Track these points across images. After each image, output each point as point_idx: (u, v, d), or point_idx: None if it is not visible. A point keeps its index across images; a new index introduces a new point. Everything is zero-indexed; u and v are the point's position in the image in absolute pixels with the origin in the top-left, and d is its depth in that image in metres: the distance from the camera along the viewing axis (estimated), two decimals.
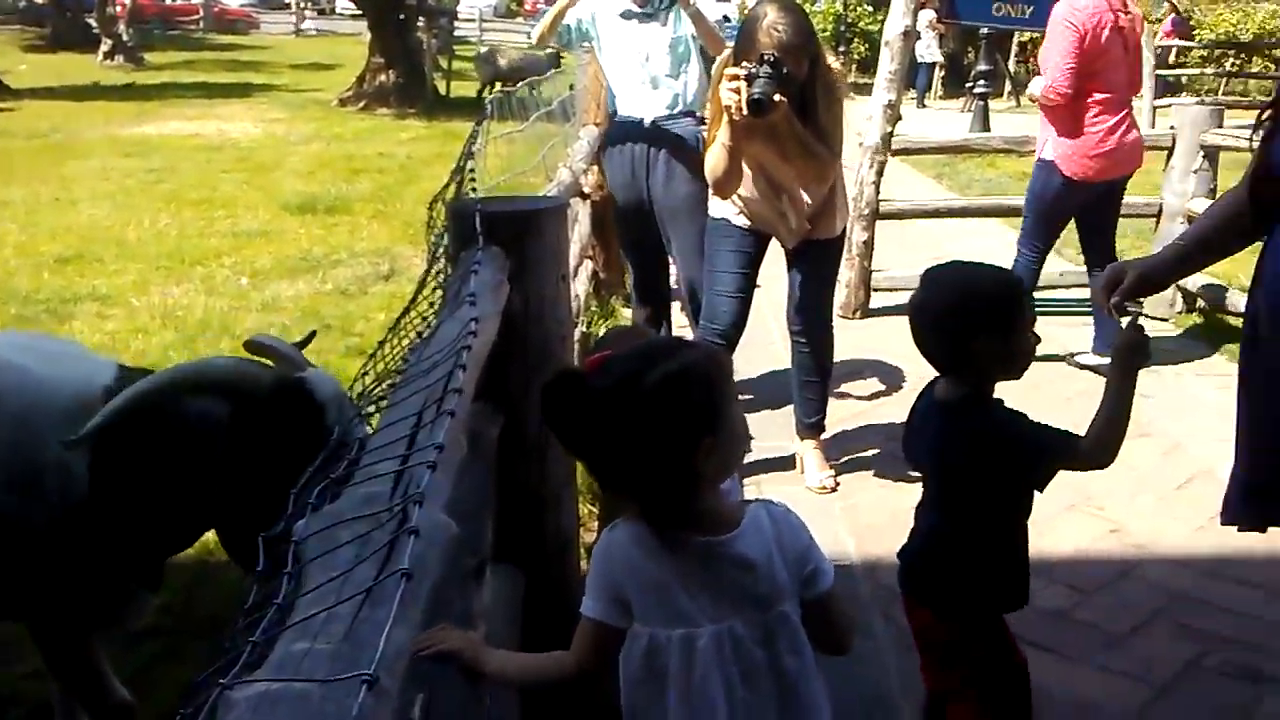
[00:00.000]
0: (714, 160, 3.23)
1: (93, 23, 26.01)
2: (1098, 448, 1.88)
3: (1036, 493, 2.04)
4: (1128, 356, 1.86)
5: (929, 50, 18.89)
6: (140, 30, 26.39)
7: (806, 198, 3.36)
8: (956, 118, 16.11)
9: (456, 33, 24.93)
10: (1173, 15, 18.06)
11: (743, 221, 3.45)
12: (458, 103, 17.12)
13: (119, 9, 25.81)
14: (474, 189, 2.03)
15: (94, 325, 5.36)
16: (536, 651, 2.09)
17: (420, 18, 18.43)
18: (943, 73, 20.14)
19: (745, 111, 3.01)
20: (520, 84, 5.20)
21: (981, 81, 13.89)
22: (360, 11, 19.42)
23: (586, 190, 4.48)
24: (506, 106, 4.58)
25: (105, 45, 23.74)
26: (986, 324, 1.90)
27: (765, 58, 3.00)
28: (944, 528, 2.01)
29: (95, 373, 1.98)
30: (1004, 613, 2.07)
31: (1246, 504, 1.98)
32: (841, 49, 22.83)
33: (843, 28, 23.59)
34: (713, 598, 1.41)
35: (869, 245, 5.53)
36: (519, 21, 36.99)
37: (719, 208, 3.48)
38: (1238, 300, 4.96)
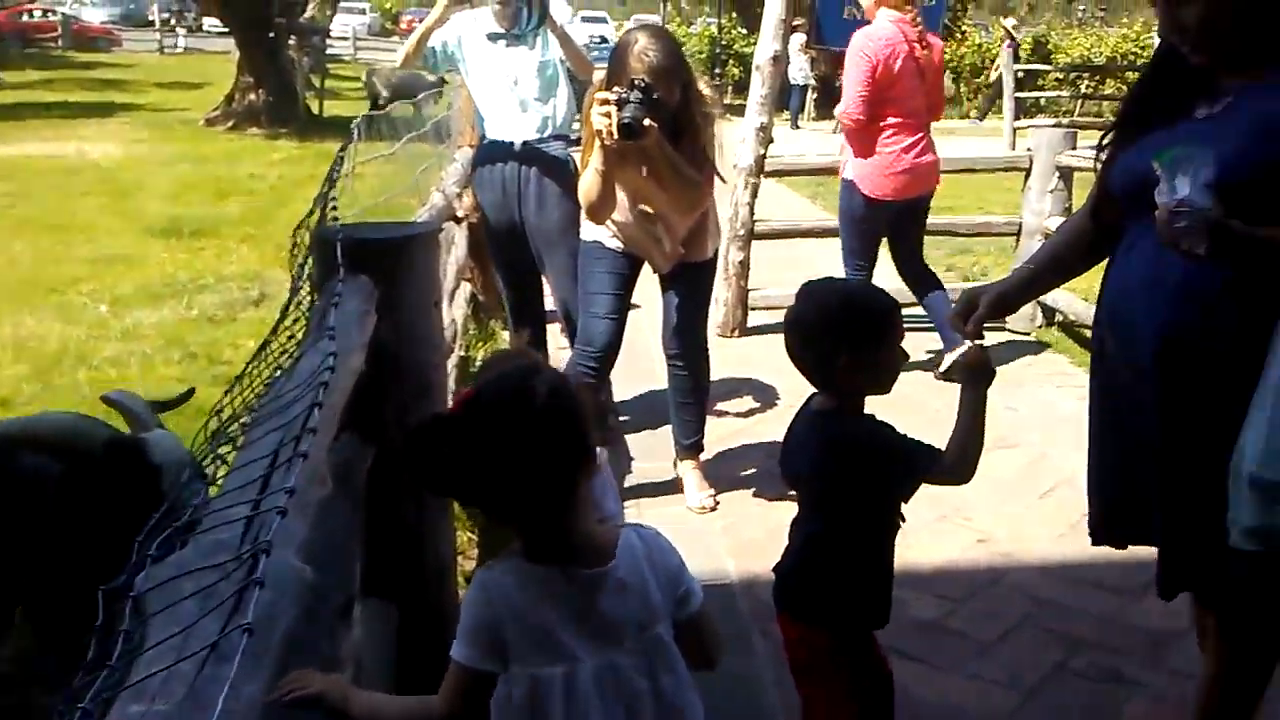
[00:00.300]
0: (587, 185, 3.23)
1: None
2: (959, 463, 1.94)
3: (904, 505, 2.08)
4: (973, 376, 1.93)
5: (801, 73, 19.39)
6: None
7: (680, 222, 3.38)
8: (829, 138, 16.51)
9: (330, 51, 24.50)
10: (1008, 40, 19.35)
11: (615, 244, 3.46)
12: (331, 122, 16.78)
13: None
14: (335, 217, 1.98)
15: None
16: (413, 688, 2.05)
17: (291, 36, 18.04)
18: (815, 95, 20.64)
19: (616, 136, 3.01)
20: (396, 104, 5.13)
21: None
22: (228, 29, 18.92)
23: (461, 213, 4.42)
24: (378, 128, 4.51)
25: None
26: (855, 339, 1.95)
27: (636, 83, 3.02)
28: (817, 541, 2.04)
29: None
30: (872, 628, 2.11)
31: (1103, 522, 2.06)
32: (717, 71, 23.19)
33: (718, 50, 23.97)
34: (594, 631, 1.42)
35: (745, 265, 5.61)
36: (394, 40, 36.57)
37: (591, 230, 3.48)
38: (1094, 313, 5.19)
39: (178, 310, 6.02)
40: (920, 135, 4.69)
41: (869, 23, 4.76)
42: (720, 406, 4.52)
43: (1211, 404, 1.73)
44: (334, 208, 1.95)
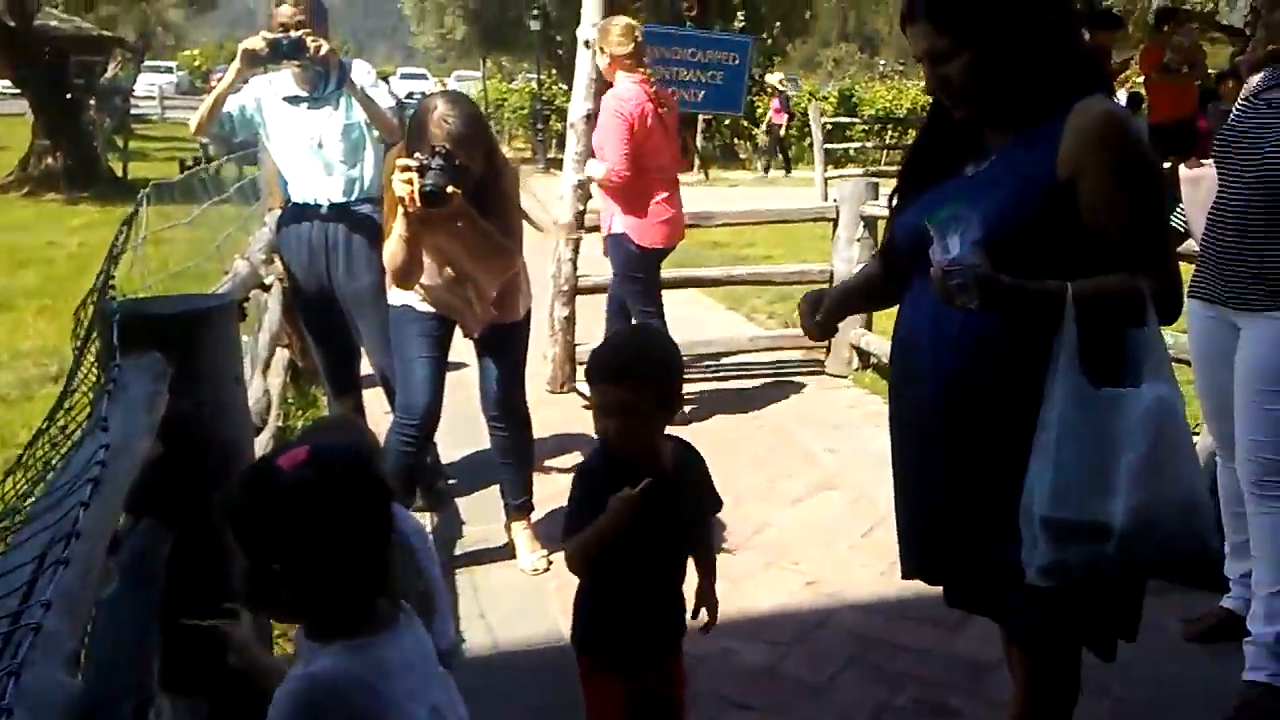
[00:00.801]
0: (392, 252, 3.15)
1: None
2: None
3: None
4: None
5: None
6: None
7: (490, 284, 3.35)
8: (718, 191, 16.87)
9: (136, 111, 23.54)
10: (778, 96, 21.22)
11: (426, 307, 3.41)
12: (136, 185, 16.02)
13: None
14: (125, 292, 1.88)
15: None
16: None
17: (92, 97, 17.25)
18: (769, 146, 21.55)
19: (419, 203, 2.98)
20: (196, 168, 4.94)
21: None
22: (20, 91, 17.95)
23: (269, 280, 4.27)
24: (181, 192, 4.33)
25: None
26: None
27: (437, 149, 2.99)
28: (606, 579, 2.09)
29: None
30: (657, 663, 2.17)
31: (909, 556, 2.13)
32: (539, 126, 23.38)
33: (539, 105, 24.19)
34: (419, 684, 1.49)
35: (570, 320, 5.62)
36: (205, 99, 35.44)
37: (399, 295, 3.42)
38: None
39: None
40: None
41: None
42: (550, 464, 4.49)
43: (993, 447, 1.82)
44: (112, 283, 1.84)
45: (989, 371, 1.79)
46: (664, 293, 7.29)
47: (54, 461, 1.50)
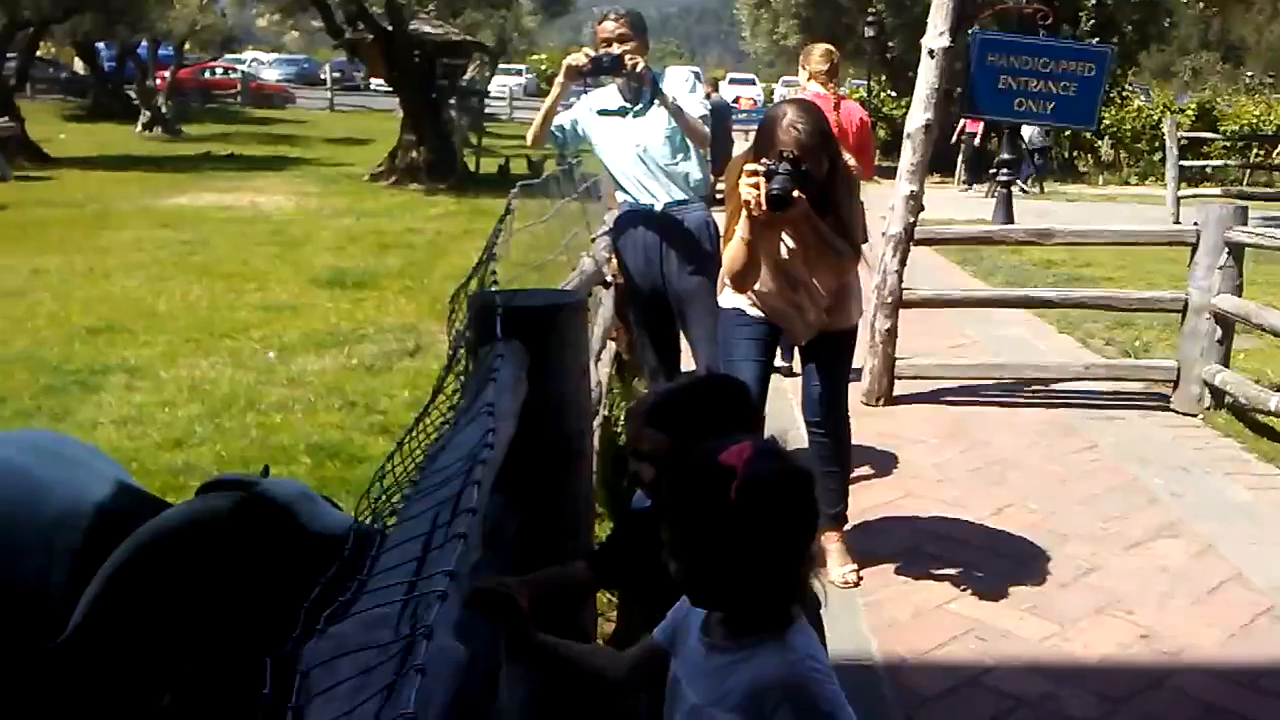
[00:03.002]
0: (732, 255, 3.24)
1: (132, 94, 26.70)
2: None
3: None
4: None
5: (1040, 134, 18.89)
6: (179, 102, 27.07)
7: (824, 291, 3.36)
8: (980, 202, 16.20)
9: (487, 110, 25.41)
10: None
11: (756, 312, 3.46)
12: (487, 179, 17.38)
13: (159, 82, 26.52)
14: (494, 282, 2.03)
15: (122, 397, 5.39)
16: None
17: (452, 97, 18.80)
18: (965, 159, 20.36)
19: (765, 207, 3.02)
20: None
21: (1004, 170, 13.98)
22: (392, 89, 19.85)
23: (609, 277, 4.50)
24: (534, 189, 4.62)
25: (144, 117, 24.38)
26: None
27: (785, 155, 3.03)
28: None
29: (91, 484, 1.91)
30: None
31: None
32: None
33: (866, 112, 23.88)
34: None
35: (892, 333, 5.51)
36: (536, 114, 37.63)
37: (731, 298, 3.49)
38: (1269, 397, 4.90)
39: (339, 359, 6.26)
40: None
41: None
42: (866, 478, 4.43)
43: None
44: (494, 274, 1.99)
45: None
46: (993, 310, 7.04)
47: (425, 442, 1.65)
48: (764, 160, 3.06)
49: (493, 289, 2.08)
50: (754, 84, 41.89)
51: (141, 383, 5.69)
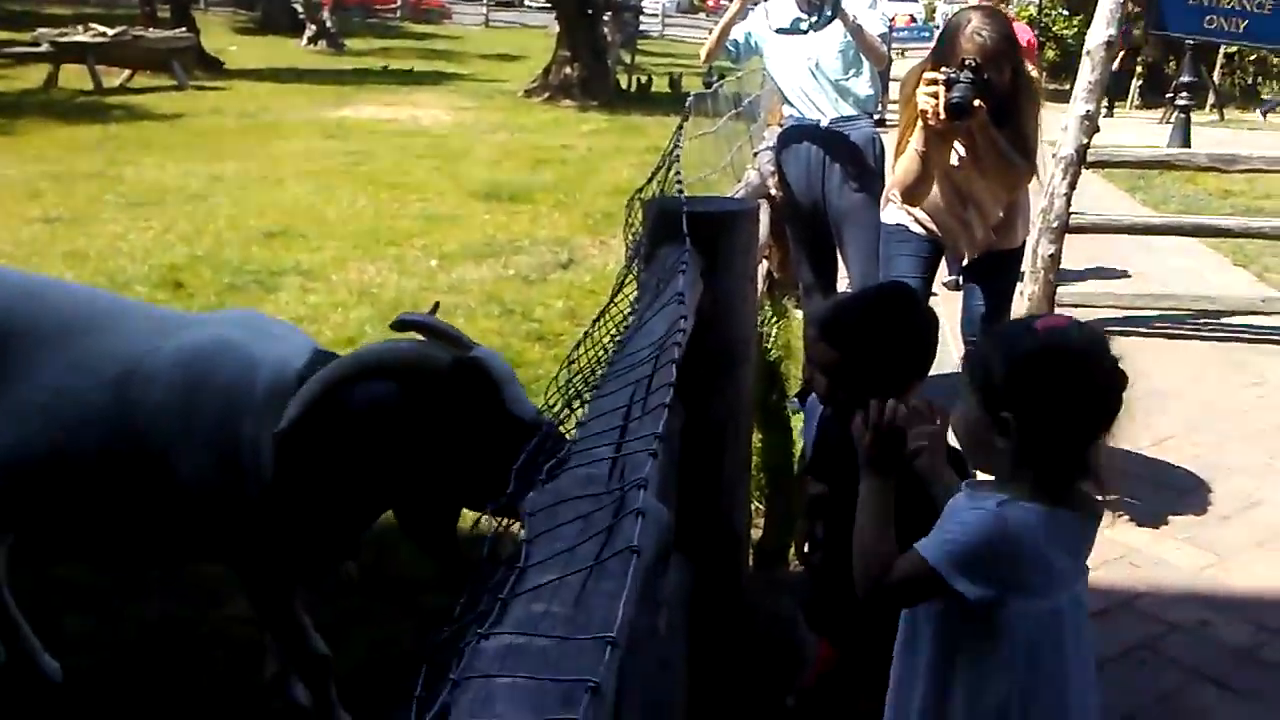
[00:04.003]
0: (905, 167, 3.21)
1: (299, 8, 27.49)
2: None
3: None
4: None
5: None
6: (342, 17, 27.71)
7: (993, 207, 3.31)
8: (1154, 128, 15.39)
9: (640, 27, 25.25)
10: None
11: (919, 229, 3.43)
12: (638, 97, 17.36)
13: None
14: (680, 188, 2.10)
15: (297, 298, 5.72)
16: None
17: (607, 12, 18.74)
18: (1140, 81, 19.22)
19: (943, 116, 2.98)
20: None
21: (1184, 94, 13.20)
22: (549, 4, 19.91)
23: (773, 192, 4.51)
24: (684, 105, 4.65)
25: (309, 30, 25.06)
26: None
27: (966, 63, 2.98)
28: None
29: (292, 355, 2.11)
30: None
31: None
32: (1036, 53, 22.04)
33: (1035, 32, 22.77)
34: (1068, 566, 1.59)
35: (1055, 259, 5.35)
36: (701, 18, 37.16)
37: (894, 214, 3.47)
38: None
39: (496, 269, 6.47)
40: None
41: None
42: None
43: None
44: (679, 177, 2.06)
45: None
46: (1164, 241, 6.74)
47: (610, 333, 1.75)
48: (944, 69, 3.02)
49: (678, 193, 2.16)
50: (916, 0, 40.40)
51: (315, 284, 6.00)
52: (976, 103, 2.96)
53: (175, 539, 2.12)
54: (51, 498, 2.09)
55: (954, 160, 3.24)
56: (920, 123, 3.07)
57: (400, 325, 2.17)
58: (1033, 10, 23.80)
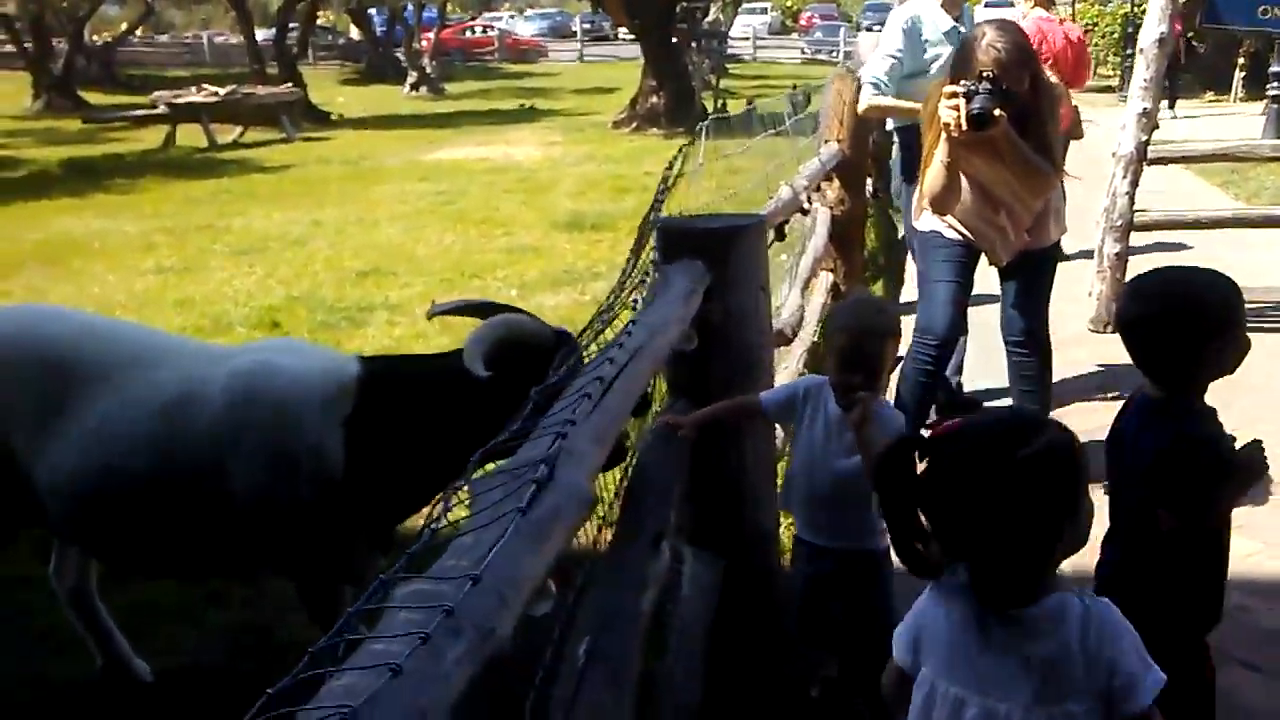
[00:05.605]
0: (932, 178, 3.32)
1: (401, 57, 28.53)
2: None
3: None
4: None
5: None
6: (443, 63, 28.65)
7: (1025, 211, 3.38)
8: (1205, 122, 14.90)
9: (730, 51, 25.46)
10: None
11: (954, 234, 3.51)
12: (727, 121, 17.52)
13: (424, 43, 28.17)
14: (659, 209, 2.27)
15: (384, 331, 6.03)
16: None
17: (693, 41, 19.01)
18: (1244, 73, 18.61)
19: (965, 127, 3.08)
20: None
21: (1276, 84, 12.73)
22: (634, 36, 20.28)
23: (822, 205, 4.62)
24: (731, 126, 4.79)
25: (411, 78, 25.98)
26: (1218, 325, 1.93)
27: (984, 75, 3.08)
28: (1154, 541, 1.97)
29: (345, 362, 2.37)
30: (1205, 631, 2.04)
31: None
32: (1128, 52, 21.49)
33: (1130, 30, 22.20)
34: (993, 673, 1.41)
35: (1121, 258, 5.33)
36: (793, 38, 37.22)
37: (929, 221, 3.56)
38: None
39: (573, 295, 6.71)
40: None
41: None
42: (1091, 402, 4.39)
43: None
44: (660, 198, 2.23)
45: None
46: (1257, 233, 6.57)
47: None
48: (963, 81, 3.13)
49: (678, 215, 2.33)
50: (1013, 6, 39.64)
51: (400, 319, 6.32)
52: (997, 112, 3.05)
53: (234, 547, 2.36)
54: (113, 518, 2.33)
55: (983, 170, 3.33)
56: (944, 135, 3.17)
57: (477, 310, 2.40)
58: (1128, 8, 23.24)
